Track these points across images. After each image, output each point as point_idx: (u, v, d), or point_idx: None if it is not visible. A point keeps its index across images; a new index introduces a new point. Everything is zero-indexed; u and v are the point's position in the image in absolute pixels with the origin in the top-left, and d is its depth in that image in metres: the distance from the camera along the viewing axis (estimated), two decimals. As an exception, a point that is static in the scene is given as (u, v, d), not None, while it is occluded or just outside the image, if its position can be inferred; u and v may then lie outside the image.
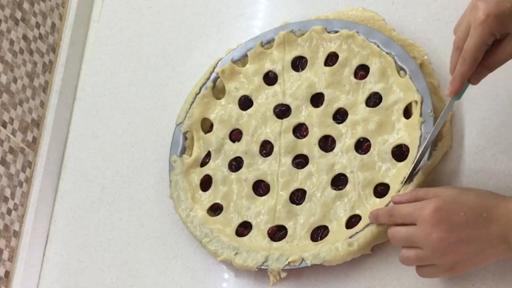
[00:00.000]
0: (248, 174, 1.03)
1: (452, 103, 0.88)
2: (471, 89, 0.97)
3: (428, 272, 0.84)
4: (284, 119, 1.04)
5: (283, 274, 0.95)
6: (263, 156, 1.04)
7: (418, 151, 0.91)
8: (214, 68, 1.11)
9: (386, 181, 0.94)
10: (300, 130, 1.03)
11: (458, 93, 0.84)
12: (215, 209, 1.04)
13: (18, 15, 1.15)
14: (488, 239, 0.79)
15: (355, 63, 1.02)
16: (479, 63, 0.82)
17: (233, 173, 1.04)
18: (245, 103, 1.08)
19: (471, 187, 0.90)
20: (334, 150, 0.99)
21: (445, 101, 0.97)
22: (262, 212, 1.00)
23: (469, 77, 0.82)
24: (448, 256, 0.80)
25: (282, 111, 1.05)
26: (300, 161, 1.01)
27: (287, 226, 0.98)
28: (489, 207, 0.79)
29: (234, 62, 1.10)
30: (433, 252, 0.80)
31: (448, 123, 0.95)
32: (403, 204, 0.86)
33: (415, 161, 0.90)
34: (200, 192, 1.05)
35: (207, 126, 1.10)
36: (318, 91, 1.04)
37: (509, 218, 0.78)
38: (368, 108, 0.99)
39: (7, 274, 1.08)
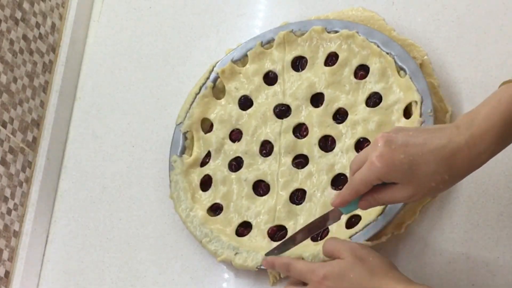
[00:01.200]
0: (248, 174, 1.03)
1: (334, 216, 0.88)
2: (471, 89, 0.97)
3: None
4: (284, 119, 1.04)
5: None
6: (263, 156, 1.04)
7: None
8: (213, 68, 1.11)
9: (386, 181, 0.94)
10: (300, 130, 1.03)
11: (338, 207, 0.84)
12: (215, 209, 1.04)
13: (18, 15, 1.15)
14: None
15: (355, 63, 1.02)
16: (370, 193, 0.81)
17: (233, 173, 1.04)
18: (245, 103, 1.08)
19: (468, 189, 0.90)
20: (334, 150, 0.99)
21: (445, 100, 0.97)
22: (262, 212, 1.00)
23: (350, 200, 0.83)
24: None
25: (282, 111, 1.05)
26: (300, 161, 1.01)
27: (287, 226, 0.98)
28: (379, 278, 0.81)
29: (234, 62, 1.10)
30: None
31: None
32: (301, 261, 0.89)
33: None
34: (200, 192, 1.05)
35: (207, 126, 1.10)
36: (318, 91, 1.04)
37: None
38: (368, 108, 0.99)
39: (7, 274, 1.08)
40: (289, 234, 0.97)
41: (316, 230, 0.91)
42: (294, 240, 0.91)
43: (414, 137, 0.78)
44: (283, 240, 0.94)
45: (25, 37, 1.16)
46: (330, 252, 0.86)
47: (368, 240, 0.91)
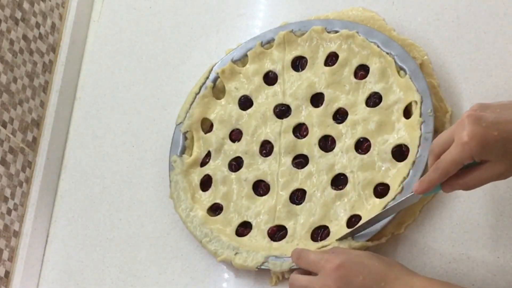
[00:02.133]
0: (248, 174, 1.03)
1: (416, 198, 0.86)
2: (471, 89, 0.97)
3: None
4: (284, 119, 1.04)
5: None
6: (263, 156, 1.04)
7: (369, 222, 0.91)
8: (212, 67, 1.11)
9: (386, 181, 0.94)
10: (300, 130, 1.03)
11: (424, 193, 0.83)
12: (215, 209, 1.04)
13: (18, 15, 1.15)
14: None
15: (355, 63, 1.02)
16: (453, 176, 0.80)
17: (233, 173, 1.04)
18: (245, 103, 1.08)
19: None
20: (334, 150, 0.99)
21: (445, 100, 0.97)
22: (262, 212, 1.00)
23: (438, 184, 0.81)
24: None
25: (282, 111, 1.05)
26: (300, 161, 1.01)
27: (287, 226, 0.98)
28: (390, 278, 0.81)
29: (234, 62, 1.10)
30: None
31: (448, 125, 0.95)
32: (312, 251, 0.89)
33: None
34: (200, 192, 1.05)
35: (207, 126, 1.10)
36: (318, 91, 1.04)
37: None
38: (368, 108, 0.99)
39: (7, 274, 1.08)
40: (289, 234, 0.97)
41: (391, 214, 0.89)
42: (369, 223, 0.90)
43: (504, 114, 0.76)
44: (359, 224, 0.92)
45: (25, 37, 1.16)
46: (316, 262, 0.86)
47: (368, 240, 0.91)
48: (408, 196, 0.87)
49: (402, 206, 0.88)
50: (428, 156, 0.82)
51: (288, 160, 1.01)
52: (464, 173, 0.79)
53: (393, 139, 0.96)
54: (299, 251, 0.90)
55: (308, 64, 1.06)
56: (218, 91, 1.11)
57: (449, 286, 0.81)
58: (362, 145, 0.98)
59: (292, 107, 1.04)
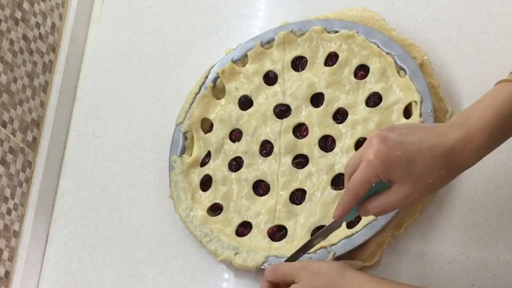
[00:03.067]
0: (248, 174, 1.03)
1: (339, 223, 0.87)
2: (471, 89, 0.97)
3: None
4: (284, 119, 1.04)
5: None
6: (263, 156, 1.04)
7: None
8: (211, 68, 1.11)
9: (386, 181, 0.94)
10: (300, 130, 1.03)
11: (341, 218, 0.83)
12: (215, 209, 1.04)
13: (18, 15, 1.15)
14: None
15: (355, 63, 1.02)
16: (366, 200, 0.81)
17: (233, 173, 1.04)
18: (245, 103, 1.08)
19: (468, 189, 0.91)
20: (334, 150, 0.99)
21: (445, 100, 0.97)
22: (262, 212, 1.00)
23: (353, 207, 0.82)
24: None
25: (282, 111, 1.05)
26: (300, 161, 1.01)
27: (287, 226, 0.98)
28: (338, 283, 0.82)
29: (234, 62, 1.10)
30: None
31: None
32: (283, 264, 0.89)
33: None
34: (200, 192, 1.05)
35: (207, 126, 1.10)
36: (318, 91, 1.04)
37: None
38: (368, 108, 0.99)
39: (7, 274, 1.08)
40: (289, 234, 0.97)
41: (319, 241, 0.90)
42: (300, 251, 0.91)
43: (409, 135, 0.78)
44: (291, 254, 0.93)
45: (25, 37, 1.16)
46: (283, 278, 0.87)
47: (368, 240, 0.91)
48: (331, 223, 0.87)
49: (327, 233, 0.89)
50: (345, 178, 0.83)
51: (288, 160, 1.01)
52: (374, 197, 0.80)
53: (393, 139, 0.96)
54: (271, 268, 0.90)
55: (308, 64, 1.06)
56: (218, 91, 1.11)
57: (396, 285, 0.82)
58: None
59: (292, 107, 1.04)
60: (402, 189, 0.78)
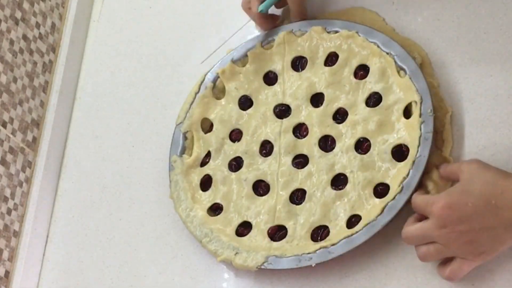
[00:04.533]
0: (248, 174, 1.03)
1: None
2: (471, 89, 0.97)
3: (458, 269, 0.84)
4: (284, 119, 1.04)
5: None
6: (263, 156, 1.04)
7: None
8: (211, 68, 1.11)
9: (386, 181, 0.94)
10: (300, 130, 1.03)
11: None
12: (215, 209, 1.04)
13: (18, 15, 1.15)
14: (501, 225, 0.80)
15: (355, 63, 1.02)
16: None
17: (233, 173, 1.04)
18: (245, 103, 1.08)
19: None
20: (334, 150, 0.99)
21: (445, 100, 0.97)
22: (262, 212, 1.00)
23: None
24: (465, 246, 0.82)
25: (282, 111, 1.05)
26: (300, 161, 1.01)
27: (287, 226, 0.98)
28: (497, 194, 0.80)
29: (234, 62, 1.10)
30: (449, 245, 0.82)
31: (448, 125, 0.95)
32: (419, 195, 0.88)
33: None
34: (200, 192, 1.05)
35: (207, 126, 1.10)
36: (318, 91, 1.04)
37: None
38: (368, 108, 0.99)
39: (7, 274, 1.08)
40: (289, 234, 0.97)
41: None
42: None
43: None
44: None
45: (25, 37, 1.16)
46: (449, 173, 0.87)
47: (367, 240, 0.91)
48: None
49: None
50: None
51: (288, 160, 1.01)
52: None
53: (393, 139, 0.96)
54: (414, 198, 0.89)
55: (308, 64, 1.06)
56: (218, 91, 1.11)
57: None
58: (362, 145, 0.98)
59: (292, 107, 1.04)
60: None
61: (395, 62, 0.99)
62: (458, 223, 0.81)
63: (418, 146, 0.93)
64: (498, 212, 0.80)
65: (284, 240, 0.97)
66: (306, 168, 1.00)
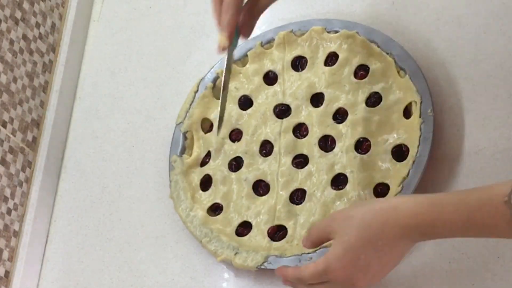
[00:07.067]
0: (248, 174, 1.03)
1: (231, 53, 0.86)
2: (471, 89, 0.97)
3: None
4: (284, 119, 1.04)
5: None
6: (263, 156, 1.04)
7: None
8: (211, 68, 1.11)
9: (386, 181, 0.94)
10: (300, 130, 1.03)
11: (231, 42, 0.81)
12: (215, 209, 1.04)
13: (18, 15, 1.15)
14: (386, 246, 0.79)
15: (355, 63, 1.02)
16: (246, 14, 0.80)
17: (233, 173, 1.04)
18: (245, 103, 1.08)
19: (467, 188, 0.90)
20: (334, 150, 0.99)
21: (445, 101, 0.97)
22: (262, 212, 1.00)
23: (235, 25, 0.80)
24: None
25: (282, 111, 1.05)
26: (300, 161, 1.01)
27: (287, 226, 0.98)
28: (381, 234, 0.79)
29: (234, 62, 1.10)
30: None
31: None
32: (297, 270, 0.85)
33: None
34: (200, 192, 1.05)
35: (207, 126, 1.10)
36: (318, 91, 1.04)
37: (411, 214, 0.77)
38: (368, 108, 0.99)
39: (7, 274, 1.08)
40: (289, 234, 0.97)
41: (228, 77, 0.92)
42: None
43: None
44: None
45: (25, 37, 1.16)
46: (319, 239, 0.85)
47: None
48: (227, 57, 0.86)
49: (228, 67, 0.88)
50: (213, 5, 0.83)
51: (288, 160, 1.01)
52: (249, 5, 0.84)
53: (393, 139, 0.96)
54: (297, 277, 0.86)
55: (308, 64, 1.06)
56: (218, 91, 1.11)
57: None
58: (362, 145, 0.98)
59: (292, 107, 1.04)
60: None
61: (395, 62, 0.99)
62: (359, 270, 0.80)
63: (418, 146, 0.93)
64: (382, 240, 0.78)
65: (284, 240, 0.97)
66: (306, 168, 1.00)
